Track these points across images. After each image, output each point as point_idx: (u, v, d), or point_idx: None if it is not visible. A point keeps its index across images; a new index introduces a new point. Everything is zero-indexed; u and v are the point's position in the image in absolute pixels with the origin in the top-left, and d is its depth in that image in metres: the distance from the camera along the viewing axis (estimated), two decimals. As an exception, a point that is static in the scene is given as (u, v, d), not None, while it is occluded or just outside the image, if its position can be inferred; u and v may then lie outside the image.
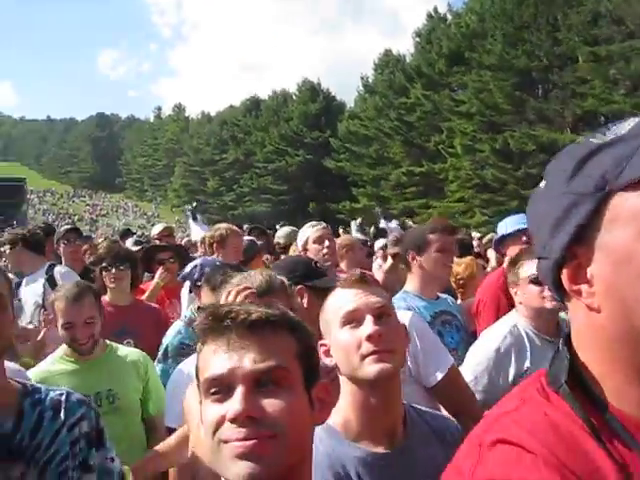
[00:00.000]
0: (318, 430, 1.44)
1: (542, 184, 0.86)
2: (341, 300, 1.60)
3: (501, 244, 4.26)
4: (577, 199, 0.77)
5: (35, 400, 1.59)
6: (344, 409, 1.52)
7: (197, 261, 3.55)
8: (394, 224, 10.19)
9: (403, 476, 1.49)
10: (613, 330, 0.76)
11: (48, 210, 65.13)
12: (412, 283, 3.16)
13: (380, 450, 1.50)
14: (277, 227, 7.97)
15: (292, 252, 4.95)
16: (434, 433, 1.62)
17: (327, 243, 4.00)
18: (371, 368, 1.49)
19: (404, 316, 2.12)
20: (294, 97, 60.62)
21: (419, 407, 1.70)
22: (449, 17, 46.74)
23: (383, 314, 1.58)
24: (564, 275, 0.81)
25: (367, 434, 1.51)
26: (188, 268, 3.46)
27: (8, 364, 1.82)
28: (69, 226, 6.66)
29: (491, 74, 37.81)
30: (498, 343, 2.68)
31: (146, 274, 5.05)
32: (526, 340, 2.71)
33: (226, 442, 0.98)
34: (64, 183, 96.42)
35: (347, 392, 1.53)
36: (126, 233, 8.72)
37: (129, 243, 6.67)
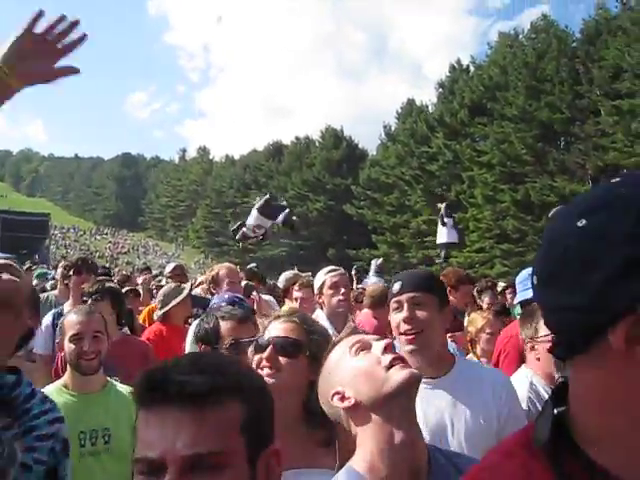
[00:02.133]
0: (342, 477, 1.46)
1: (580, 223, 0.75)
2: (342, 346, 1.60)
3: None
4: None
5: (30, 382, 1.86)
6: (369, 454, 1.48)
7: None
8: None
9: None
10: None
11: (70, 245, 65.93)
12: None
13: None
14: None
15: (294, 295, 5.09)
16: (459, 472, 1.57)
17: (342, 290, 3.98)
18: (400, 374, 1.47)
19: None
20: (317, 143, 61.45)
21: (442, 448, 1.66)
22: (472, 69, 47.47)
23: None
24: (618, 332, 0.71)
25: (394, 476, 1.46)
26: None
27: None
28: (83, 256, 6.85)
29: (513, 125, 38.09)
30: (524, 406, 2.65)
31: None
32: (542, 398, 2.70)
33: None
34: (88, 220, 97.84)
35: (371, 434, 1.48)
36: (144, 270, 8.92)
37: (140, 280, 6.83)
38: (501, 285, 8.22)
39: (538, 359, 2.81)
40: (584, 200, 0.80)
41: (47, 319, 4.56)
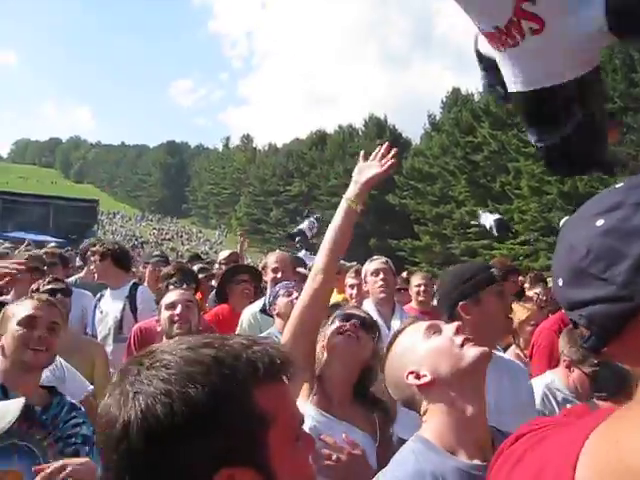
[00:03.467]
0: (415, 444, 1.57)
1: (598, 222, 0.84)
2: (410, 332, 1.71)
3: None
4: None
5: (59, 399, 2.28)
6: (439, 424, 1.57)
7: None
8: None
9: None
10: None
11: (116, 231, 67.37)
12: None
13: (476, 462, 1.53)
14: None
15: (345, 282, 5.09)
16: None
17: (382, 276, 4.08)
18: (473, 351, 1.57)
19: None
20: (360, 132, 61.18)
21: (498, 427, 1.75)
22: (520, 57, 46.46)
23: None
24: None
25: (462, 446, 1.54)
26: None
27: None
28: (160, 254, 7.15)
29: (562, 116, 37.14)
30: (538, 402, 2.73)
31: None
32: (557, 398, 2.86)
33: None
34: (133, 206, 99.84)
35: (442, 409, 1.57)
36: (194, 258, 8.97)
37: (195, 268, 6.82)
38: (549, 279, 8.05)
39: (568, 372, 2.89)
40: (596, 203, 0.88)
41: (93, 301, 4.88)
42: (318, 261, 2.13)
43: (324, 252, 2.13)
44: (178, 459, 0.80)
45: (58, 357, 2.92)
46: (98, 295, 4.88)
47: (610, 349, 0.83)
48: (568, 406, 2.74)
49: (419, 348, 1.64)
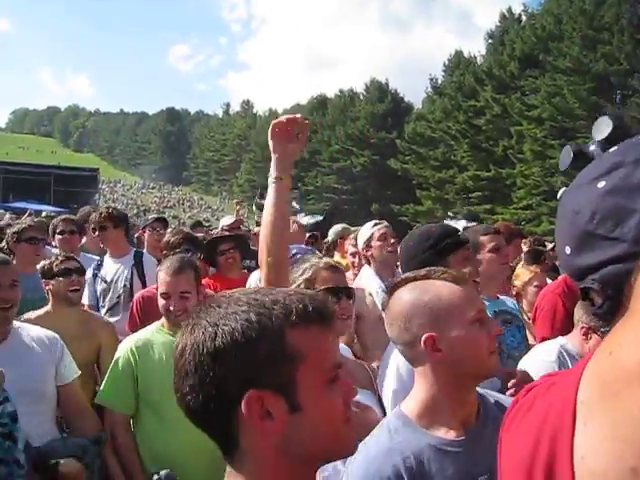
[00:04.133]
0: (393, 420, 1.61)
1: (600, 184, 0.82)
2: (465, 297, 1.63)
3: None
4: None
5: None
6: (422, 401, 1.60)
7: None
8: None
9: (476, 460, 1.51)
10: None
11: (118, 200, 67.26)
12: None
13: (453, 436, 1.56)
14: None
15: (346, 248, 5.12)
16: (502, 410, 1.62)
17: (392, 240, 4.01)
18: (493, 362, 1.62)
19: None
20: (361, 97, 60.55)
21: (491, 392, 1.77)
22: (524, 18, 45.68)
23: None
24: None
25: (442, 422, 1.58)
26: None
27: None
28: (157, 215, 6.81)
29: (565, 78, 36.70)
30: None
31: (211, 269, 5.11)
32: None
33: None
34: (134, 175, 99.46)
35: (433, 386, 1.59)
36: (196, 225, 8.94)
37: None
38: (549, 245, 8.00)
39: (585, 339, 2.81)
40: (594, 167, 0.87)
41: (88, 273, 4.53)
42: (263, 248, 2.00)
43: (268, 238, 1.97)
44: (216, 376, 0.98)
45: (58, 337, 2.93)
46: (94, 264, 4.71)
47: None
48: None
49: (457, 324, 1.59)
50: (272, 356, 0.99)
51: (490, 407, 1.66)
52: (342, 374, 1.07)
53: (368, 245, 4.01)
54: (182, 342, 1.04)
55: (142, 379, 2.91)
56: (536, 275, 4.58)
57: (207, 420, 1.03)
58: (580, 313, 2.86)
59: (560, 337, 2.98)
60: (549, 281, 4.66)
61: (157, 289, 3.13)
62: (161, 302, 3.01)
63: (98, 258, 4.89)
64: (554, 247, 7.70)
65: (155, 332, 3.05)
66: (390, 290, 1.71)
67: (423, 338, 1.56)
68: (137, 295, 4.13)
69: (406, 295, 1.63)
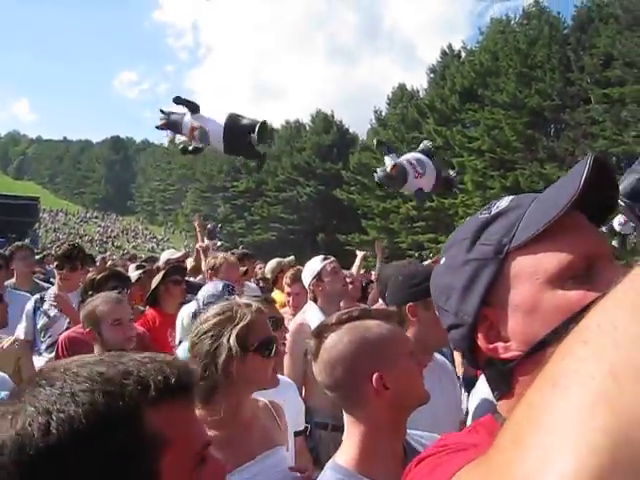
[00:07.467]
0: (332, 474, 1.54)
1: (442, 260, 0.97)
2: (400, 332, 1.73)
3: None
4: (480, 264, 0.87)
5: None
6: (363, 443, 1.57)
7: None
8: None
9: None
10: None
11: (59, 229, 65.54)
12: None
13: (393, 477, 1.51)
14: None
15: (288, 290, 4.85)
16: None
17: (343, 274, 3.96)
18: (425, 390, 1.65)
19: None
20: (307, 127, 61.24)
21: (411, 431, 1.75)
22: (463, 54, 47.35)
23: None
24: (479, 337, 0.88)
25: (384, 463, 1.55)
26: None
27: None
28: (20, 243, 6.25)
29: (503, 112, 38.13)
30: None
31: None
32: None
33: None
34: (77, 204, 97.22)
35: (375, 424, 1.57)
36: (132, 258, 8.98)
37: (131, 268, 6.81)
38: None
39: None
40: (450, 240, 0.99)
41: (29, 305, 4.45)
42: None
43: None
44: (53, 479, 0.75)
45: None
46: (36, 297, 4.51)
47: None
48: None
49: (398, 358, 1.61)
50: (127, 448, 0.78)
51: (412, 446, 1.65)
52: (210, 454, 0.91)
53: (319, 280, 3.86)
54: None
55: None
56: None
57: None
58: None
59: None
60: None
61: (83, 329, 3.03)
62: (112, 329, 2.94)
63: (28, 294, 4.70)
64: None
65: None
66: (317, 334, 1.64)
67: (374, 377, 1.54)
68: (62, 336, 3.73)
69: (347, 336, 1.58)
